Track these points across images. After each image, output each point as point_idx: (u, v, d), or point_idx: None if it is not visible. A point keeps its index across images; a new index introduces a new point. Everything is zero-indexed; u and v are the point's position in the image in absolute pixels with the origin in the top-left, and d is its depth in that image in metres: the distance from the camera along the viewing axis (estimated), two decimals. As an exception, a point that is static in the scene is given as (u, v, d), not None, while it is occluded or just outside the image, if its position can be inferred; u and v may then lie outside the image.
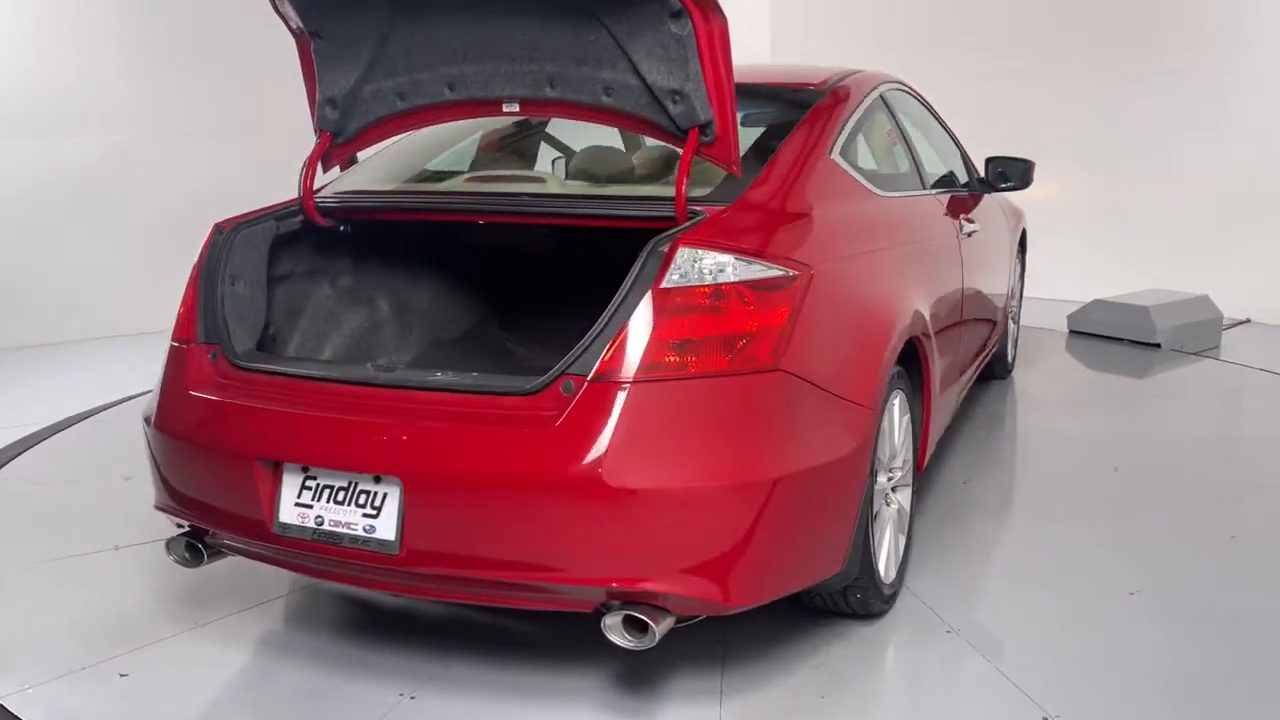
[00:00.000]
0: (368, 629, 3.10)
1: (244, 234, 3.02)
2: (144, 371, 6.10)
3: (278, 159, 7.85)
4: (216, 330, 2.83)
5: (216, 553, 2.92)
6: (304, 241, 3.25)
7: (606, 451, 2.32)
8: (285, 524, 2.58)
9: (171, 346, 2.92)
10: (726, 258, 2.47)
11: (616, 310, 2.42)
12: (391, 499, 2.47)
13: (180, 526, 2.90)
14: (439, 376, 2.56)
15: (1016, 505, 4.15)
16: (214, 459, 2.69)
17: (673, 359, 2.39)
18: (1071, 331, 7.11)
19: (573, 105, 2.84)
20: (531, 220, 3.00)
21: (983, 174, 4.88)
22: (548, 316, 3.83)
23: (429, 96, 2.99)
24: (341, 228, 3.32)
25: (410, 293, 3.63)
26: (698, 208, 2.70)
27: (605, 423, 2.34)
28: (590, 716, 2.60)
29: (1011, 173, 4.82)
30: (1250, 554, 3.58)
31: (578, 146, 3.87)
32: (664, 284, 2.42)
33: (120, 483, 4.38)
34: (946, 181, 4.48)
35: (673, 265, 2.44)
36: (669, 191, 2.87)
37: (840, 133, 3.30)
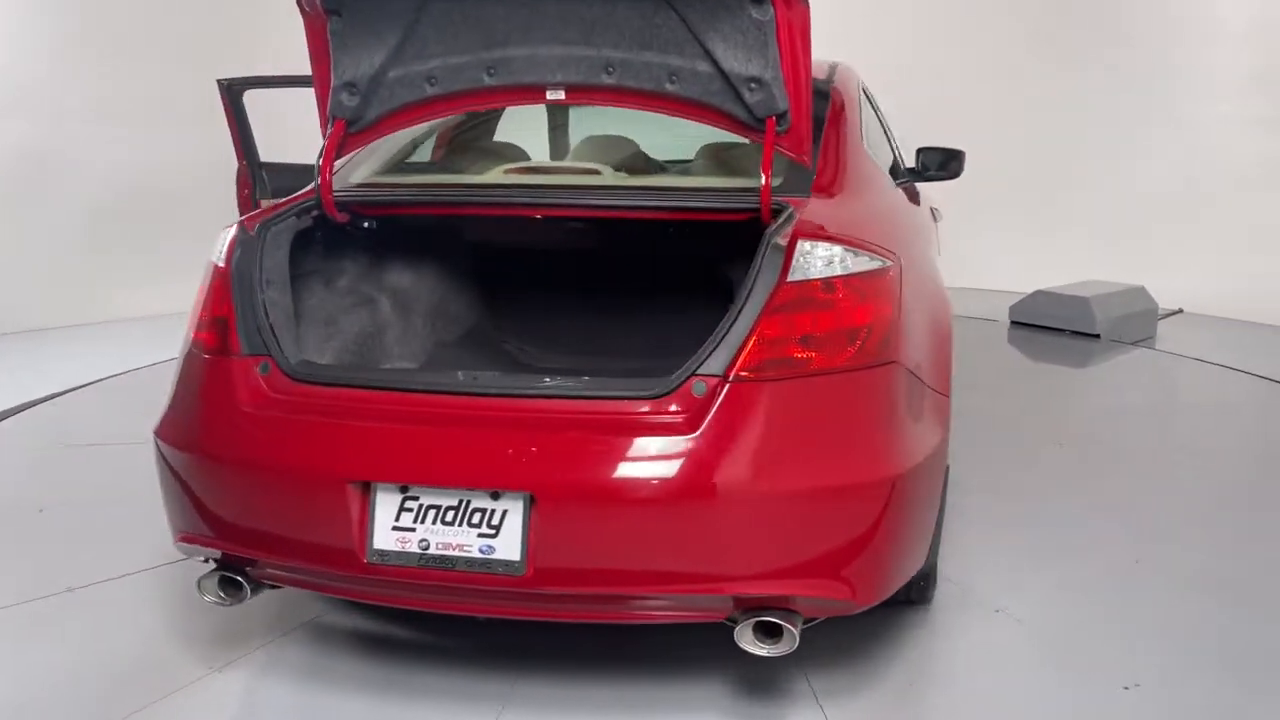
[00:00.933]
0: (409, 651, 2.88)
1: (272, 233, 2.74)
2: (57, 372, 5.92)
3: (184, 146, 7.59)
4: (264, 340, 2.55)
5: (259, 586, 2.64)
6: (315, 239, 2.99)
7: (749, 453, 2.26)
8: (381, 551, 2.36)
9: (199, 359, 2.62)
10: (838, 249, 2.44)
11: (744, 307, 2.34)
12: (513, 516, 2.30)
13: (208, 560, 2.62)
14: (552, 382, 2.40)
15: (980, 486, 4.31)
16: (284, 483, 2.42)
17: (801, 355, 2.34)
18: (1013, 322, 7.36)
19: (629, 92, 2.73)
20: (605, 214, 2.86)
21: (913, 164, 5.04)
22: (543, 317, 3.69)
23: (464, 82, 2.80)
24: (365, 224, 3.07)
25: (416, 292, 3.40)
26: (782, 200, 2.65)
27: (745, 424, 2.27)
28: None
29: (936, 163, 4.99)
30: (1197, 512, 3.89)
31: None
32: (790, 278, 2.36)
33: (34, 516, 3.91)
34: (894, 172, 4.60)
35: (794, 259, 2.39)
36: (737, 184, 2.82)
37: (860, 124, 3.33)
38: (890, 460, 2.37)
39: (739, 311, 2.34)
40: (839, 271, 2.42)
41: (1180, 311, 7.47)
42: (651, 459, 2.26)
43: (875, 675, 2.75)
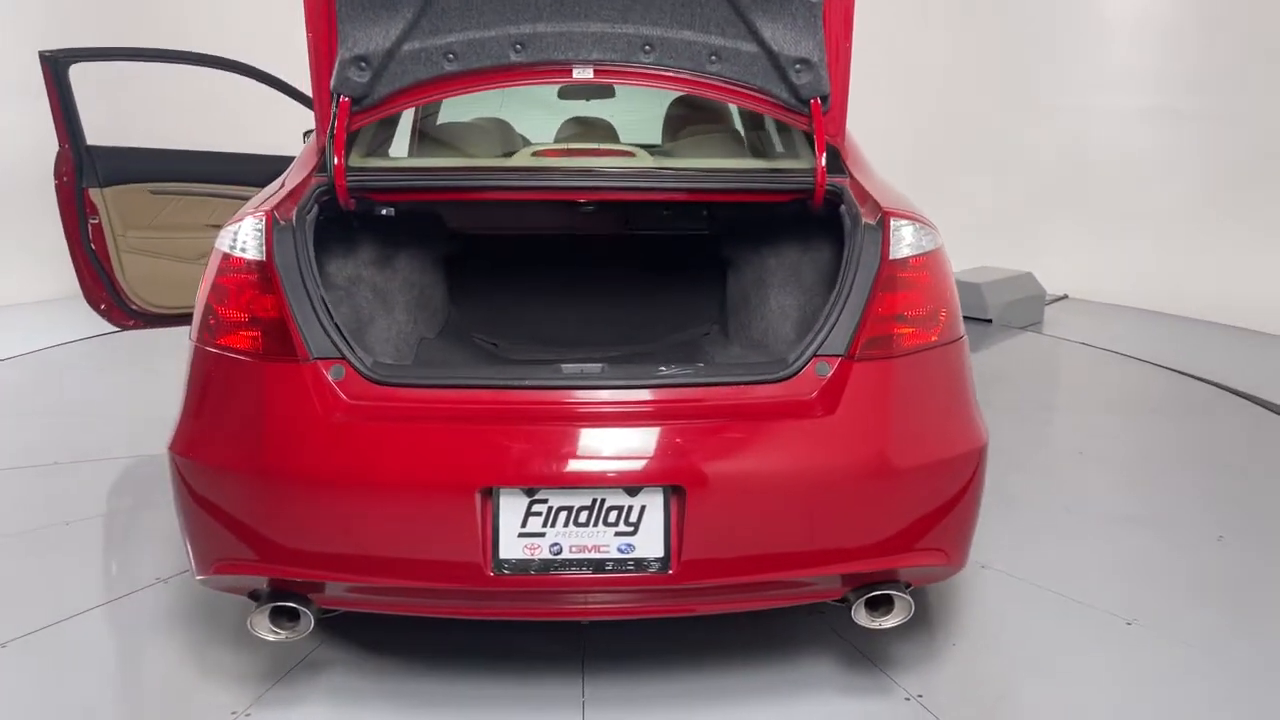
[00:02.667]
0: (445, 656, 2.70)
1: (309, 223, 2.47)
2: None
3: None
4: (333, 342, 2.30)
5: (325, 614, 2.40)
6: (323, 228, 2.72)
7: (882, 431, 2.31)
8: (508, 561, 2.20)
9: (241, 365, 2.32)
10: (916, 227, 2.52)
11: (850, 286, 2.38)
12: (653, 511, 2.22)
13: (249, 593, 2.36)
14: (669, 371, 2.33)
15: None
16: (386, 497, 2.20)
17: (903, 332, 2.41)
18: None
19: (667, 72, 2.69)
20: (665, 198, 2.78)
21: None
22: (509, 307, 3.54)
23: (488, 58, 2.64)
24: (384, 211, 2.82)
25: (399, 284, 3.15)
26: (838, 179, 2.71)
27: (875, 403, 2.32)
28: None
29: None
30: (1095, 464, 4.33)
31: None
32: (891, 256, 2.42)
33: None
34: None
35: (891, 237, 2.45)
36: (779, 164, 2.84)
37: None
38: (980, 429, 2.49)
39: (847, 291, 2.37)
40: (923, 249, 2.50)
41: (1065, 297, 7.80)
42: (794, 443, 2.25)
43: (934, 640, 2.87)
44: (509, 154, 2.92)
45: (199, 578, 2.39)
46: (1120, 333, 6.56)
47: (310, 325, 2.30)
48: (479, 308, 3.51)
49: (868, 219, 2.47)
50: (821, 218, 2.77)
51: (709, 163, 2.86)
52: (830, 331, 2.33)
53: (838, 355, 2.32)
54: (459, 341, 3.30)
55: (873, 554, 2.32)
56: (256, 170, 4.31)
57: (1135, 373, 5.78)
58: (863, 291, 2.37)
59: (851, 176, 2.76)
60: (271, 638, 2.35)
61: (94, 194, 4.67)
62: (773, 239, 3.16)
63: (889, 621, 2.41)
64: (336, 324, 2.33)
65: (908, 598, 2.38)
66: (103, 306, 4.73)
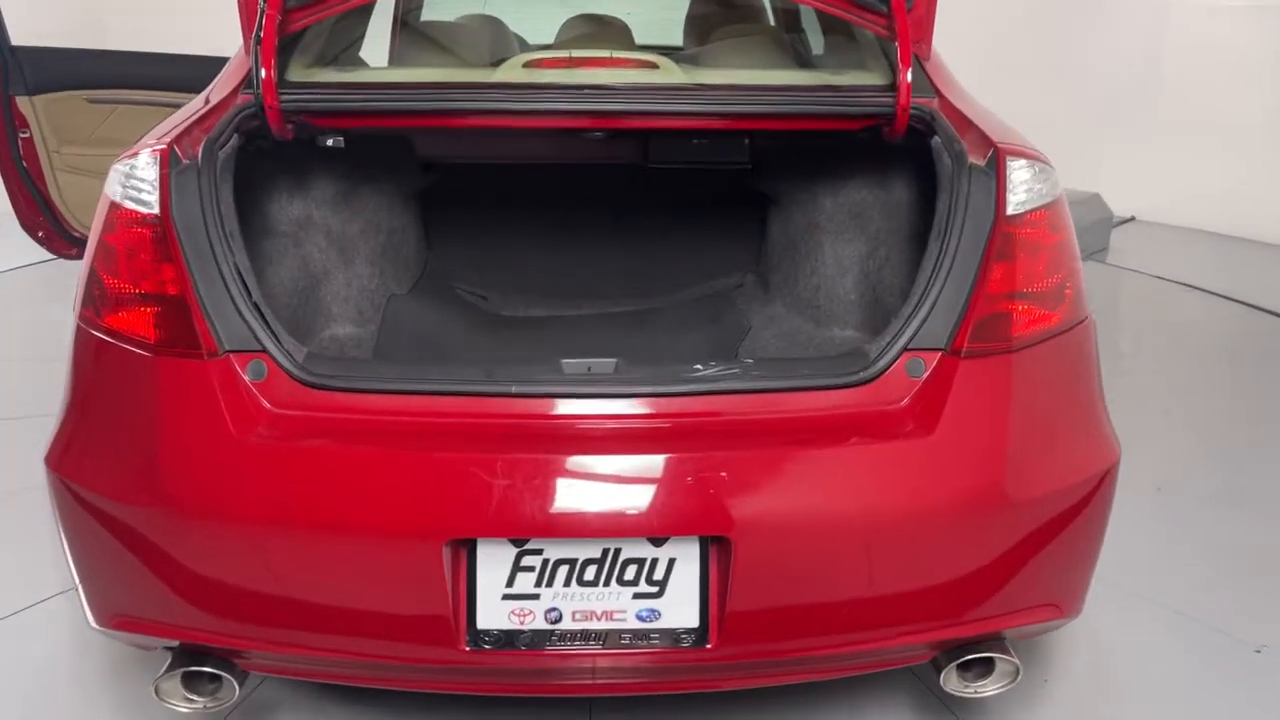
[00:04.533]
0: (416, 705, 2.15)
1: (222, 160, 1.84)
2: None
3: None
4: (250, 329, 1.69)
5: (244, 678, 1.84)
6: (248, 163, 2.09)
7: (996, 453, 1.70)
8: (489, 632, 1.63)
9: (130, 359, 1.71)
10: (1033, 167, 1.87)
11: (956, 250, 1.75)
12: (686, 566, 1.63)
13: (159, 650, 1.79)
14: (710, 371, 1.71)
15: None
16: (323, 546, 1.62)
17: (1025, 314, 1.79)
18: None
19: None
20: (684, 124, 2.13)
21: None
22: (497, 252, 2.91)
23: None
24: (330, 141, 2.18)
25: (360, 229, 2.53)
26: (923, 100, 2.05)
27: (987, 413, 1.71)
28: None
29: None
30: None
31: None
32: (1009, 210, 1.78)
33: None
34: None
35: (1008, 186, 1.80)
36: (842, 80, 2.18)
37: None
38: (1112, 441, 1.88)
39: (949, 258, 1.74)
40: (1045, 198, 1.85)
41: (1133, 219, 7.11)
42: (878, 473, 1.65)
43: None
44: (498, 63, 2.26)
45: (96, 628, 1.82)
46: (1196, 262, 5.86)
47: (220, 306, 1.69)
48: (463, 253, 2.88)
49: (975, 158, 1.83)
50: (896, 148, 2.13)
51: (753, 77, 2.20)
52: (926, 316, 1.71)
53: (937, 349, 1.71)
54: (438, 297, 2.69)
55: (975, 614, 1.75)
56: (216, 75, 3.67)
57: (1219, 312, 5.11)
58: (971, 259, 1.74)
59: (942, 97, 2.11)
60: (186, 708, 1.80)
61: (22, 103, 4.00)
62: (829, 173, 2.52)
63: (989, 688, 1.85)
64: (256, 304, 1.71)
65: (1014, 660, 1.81)
66: (40, 234, 4.10)
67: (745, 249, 2.91)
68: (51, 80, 4.04)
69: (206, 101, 2.12)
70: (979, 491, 1.67)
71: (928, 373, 1.70)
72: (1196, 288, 5.42)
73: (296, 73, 2.16)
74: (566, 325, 2.68)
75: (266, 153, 2.15)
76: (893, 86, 2.06)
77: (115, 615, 1.78)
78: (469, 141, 2.64)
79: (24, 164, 4.05)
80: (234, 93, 2.07)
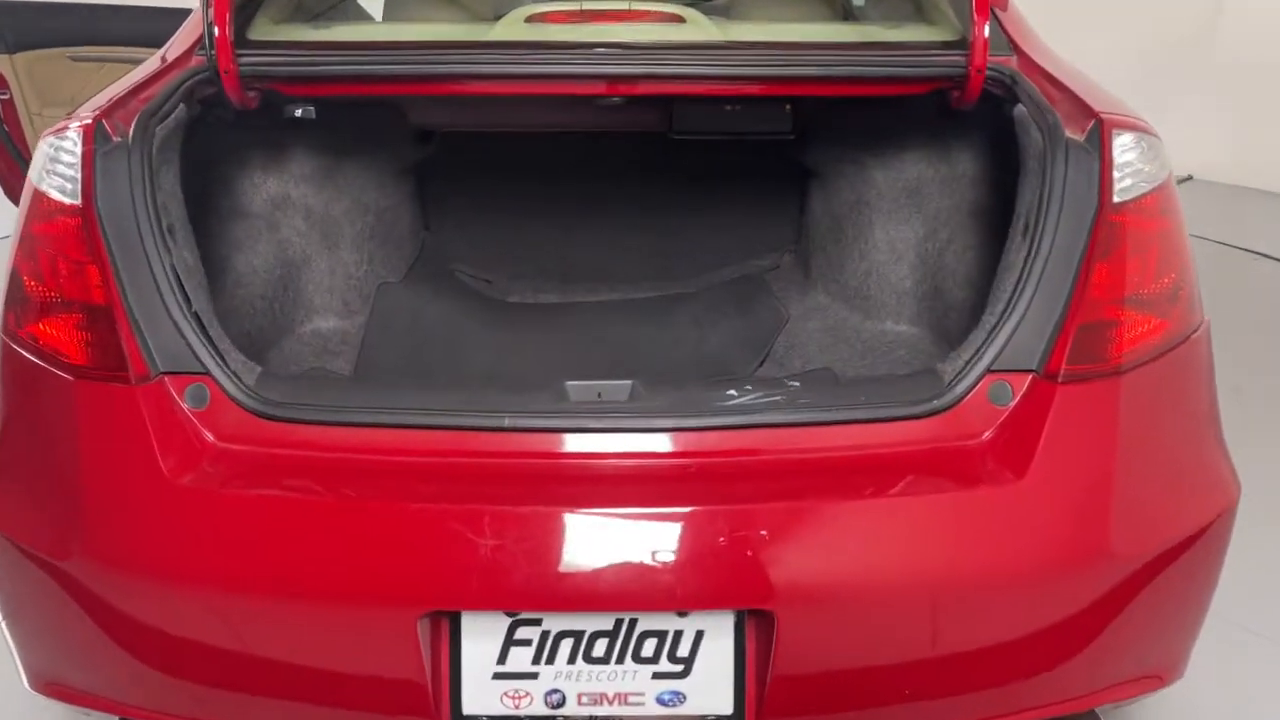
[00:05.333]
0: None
1: (161, 136, 1.53)
2: None
3: None
4: (188, 345, 1.39)
5: None
6: (198, 136, 1.78)
7: (1100, 499, 1.38)
8: (475, 718, 1.34)
9: (60, 384, 1.42)
10: (1141, 140, 1.53)
11: (1049, 251, 1.42)
12: (716, 641, 1.33)
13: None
14: (745, 399, 1.40)
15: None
16: (283, 618, 1.33)
17: (1134, 325, 1.46)
18: None
19: None
20: (717, 90, 1.81)
21: None
22: (501, 229, 2.60)
23: None
24: (299, 111, 1.87)
25: (344, 209, 2.22)
26: (999, 59, 1.71)
27: (1090, 451, 1.39)
28: None
29: None
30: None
31: None
32: (1116, 196, 1.45)
33: None
34: None
35: (1115, 166, 1.47)
36: (900, 35, 1.84)
37: None
38: (1230, 476, 1.55)
39: (1043, 256, 1.42)
40: (1155, 179, 1.52)
41: (1190, 179, 6.62)
42: (955, 527, 1.33)
43: None
44: (499, 17, 1.93)
45: (33, 690, 1.55)
46: (1259, 226, 5.44)
47: (153, 317, 1.40)
48: (464, 232, 2.57)
49: (1072, 130, 1.49)
50: (961, 113, 1.80)
51: (796, 32, 1.86)
52: (1014, 330, 1.39)
53: (1027, 371, 1.39)
54: (436, 283, 2.38)
55: (1064, 693, 1.44)
56: None
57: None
58: (1068, 258, 1.42)
59: (1023, 54, 1.76)
60: None
61: (1, 62, 3.72)
62: (881, 142, 2.18)
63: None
64: (198, 314, 1.41)
65: None
66: (25, 200, 3.82)
67: (781, 226, 2.58)
68: (30, 37, 3.75)
69: (163, 61, 1.81)
70: (1077, 548, 1.36)
71: (1016, 400, 1.39)
72: (1262, 254, 5.01)
73: (262, 29, 1.85)
74: (581, 314, 2.37)
75: (231, 122, 1.85)
76: (963, 42, 1.73)
77: (49, 681, 1.51)
78: (470, 107, 2.32)
79: (5, 127, 3.78)
80: (189, 52, 1.76)
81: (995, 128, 1.78)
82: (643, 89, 1.75)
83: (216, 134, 1.90)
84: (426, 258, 2.43)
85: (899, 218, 2.18)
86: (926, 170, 2.14)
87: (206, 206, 2.06)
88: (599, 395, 1.41)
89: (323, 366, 2.05)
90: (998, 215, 2.05)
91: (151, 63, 1.84)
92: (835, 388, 1.49)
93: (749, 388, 1.40)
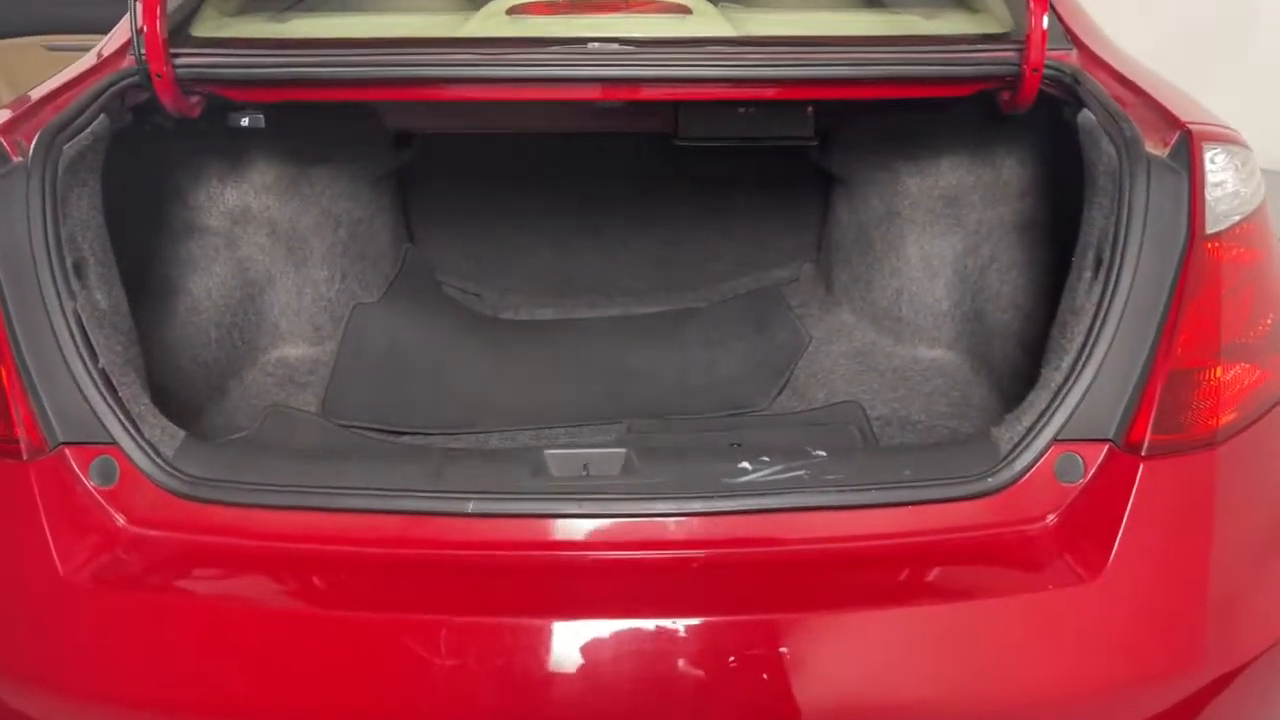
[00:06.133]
0: None
1: (70, 157, 1.30)
2: None
3: None
4: (94, 410, 1.16)
5: None
6: (138, 144, 1.56)
7: (1200, 596, 1.14)
8: None
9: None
10: (1233, 155, 1.28)
11: (1128, 291, 1.17)
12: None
13: None
14: (759, 473, 1.16)
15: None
16: None
17: (1238, 377, 1.21)
18: None
19: None
20: (730, 94, 1.57)
21: None
22: (491, 238, 2.36)
23: None
24: (245, 120, 1.64)
25: (313, 222, 1.99)
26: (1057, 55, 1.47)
27: (1181, 538, 1.14)
28: None
29: None
30: None
31: None
32: (1210, 226, 1.20)
33: None
34: None
35: (1206, 188, 1.22)
36: (936, 27, 1.59)
37: None
38: None
39: (1118, 300, 1.17)
40: (1251, 202, 1.27)
41: None
42: (1015, 640, 1.09)
43: None
44: (480, 4, 1.68)
45: None
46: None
47: (51, 375, 1.17)
48: (450, 242, 2.34)
49: (1152, 144, 1.24)
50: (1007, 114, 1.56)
51: (818, 23, 1.61)
52: (1086, 390, 1.15)
53: (1102, 440, 1.15)
54: (418, 301, 2.16)
55: None
56: None
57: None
58: (1152, 299, 1.17)
59: (1084, 49, 1.52)
60: None
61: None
62: (916, 146, 1.94)
63: None
64: (105, 371, 1.18)
65: None
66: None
67: (800, 233, 2.34)
68: (3, 25, 3.54)
69: (98, 57, 1.58)
70: (1165, 662, 1.11)
71: (1088, 477, 1.14)
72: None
73: (209, 23, 1.62)
74: (578, 332, 2.15)
75: (176, 127, 1.61)
76: (1013, 35, 1.48)
77: None
78: (453, 108, 2.08)
79: (-29, 123, 3.57)
80: (122, 50, 1.53)
81: (1048, 130, 1.54)
82: (644, 94, 1.51)
83: (162, 139, 1.68)
84: (408, 273, 2.19)
85: (935, 231, 1.94)
86: (966, 177, 1.90)
87: (155, 223, 1.84)
88: (585, 469, 1.18)
89: (285, 403, 1.83)
90: (1049, 230, 1.81)
91: (86, 59, 1.61)
92: (869, 459, 1.25)
93: (765, 459, 1.16)
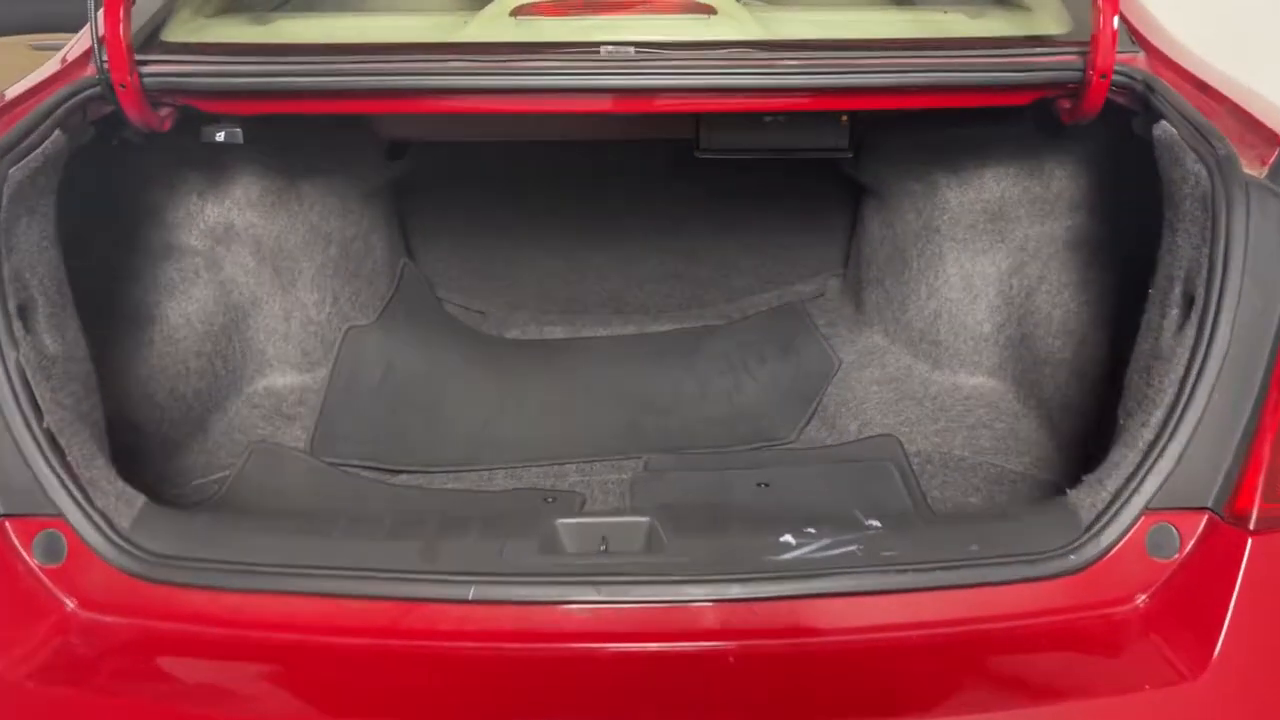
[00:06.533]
0: None
1: (18, 183, 1.14)
2: None
3: None
4: (35, 478, 1.01)
5: None
6: (97, 166, 1.41)
7: None
8: None
9: None
10: None
11: (1229, 338, 1.02)
12: None
13: None
14: (805, 549, 1.00)
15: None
16: None
17: None
18: None
19: None
20: (759, 105, 1.42)
21: None
22: (497, 252, 2.21)
23: None
24: (220, 135, 1.49)
25: (305, 236, 1.85)
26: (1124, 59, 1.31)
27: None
28: None
29: None
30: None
31: None
32: None
33: None
34: None
35: None
36: (967, 28, 1.44)
37: None
38: None
39: (1217, 349, 1.02)
40: None
41: None
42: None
43: None
44: (484, 5, 1.53)
45: None
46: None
47: None
48: (452, 254, 2.20)
49: (1249, 164, 1.09)
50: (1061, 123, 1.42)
51: (854, 24, 1.46)
52: (1182, 452, 0.99)
53: (1200, 509, 0.99)
54: (416, 321, 2.01)
55: None
56: None
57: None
58: (1258, 346, 1.02)
59: (1154, 52, 1.36)
60: None
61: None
62: (957, 155, 1.78)
63: None
64: (49, 431, 1.03)
65: None
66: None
67: (825, 246, 2.19)
68: (-11, 22, 3.37)
69: (62, 62, 1.44)
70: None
71: (1186, 553, 0.99)
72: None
73: (184, 26, 1.46)
74: (590, 353, 2.02)
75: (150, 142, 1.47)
76: (1073, 37, 1.33)
77: None
78: (452, 115, 1.92)
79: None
80: (84, 58, 1.38)
81: (1105, 138, 1.38)
82: (661, 105, 1.36)
83: (134, 153, 1.52)
84: (406, 291, 2.04)
85: (977, 247, 1.79)
86: (1012, 189, 1.75)
87: (128, 244, 1.70)
88: (603, 543, 1.03)
89: (271, 438, 1.68)
90: (1106, 249, 1.65)
91: (49, 66, 1.46)
92: (930, 532, 1.10)
93: (811, 531, 1.01)
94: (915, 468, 1.61)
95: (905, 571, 0.98)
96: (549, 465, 1.65)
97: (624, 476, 1.61)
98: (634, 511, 1.49)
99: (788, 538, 1.00)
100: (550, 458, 1.66)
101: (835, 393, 1.82)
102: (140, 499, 1.06)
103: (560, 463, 1.65)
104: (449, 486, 1.62)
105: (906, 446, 1.66)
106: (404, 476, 1.64)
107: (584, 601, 0.97)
